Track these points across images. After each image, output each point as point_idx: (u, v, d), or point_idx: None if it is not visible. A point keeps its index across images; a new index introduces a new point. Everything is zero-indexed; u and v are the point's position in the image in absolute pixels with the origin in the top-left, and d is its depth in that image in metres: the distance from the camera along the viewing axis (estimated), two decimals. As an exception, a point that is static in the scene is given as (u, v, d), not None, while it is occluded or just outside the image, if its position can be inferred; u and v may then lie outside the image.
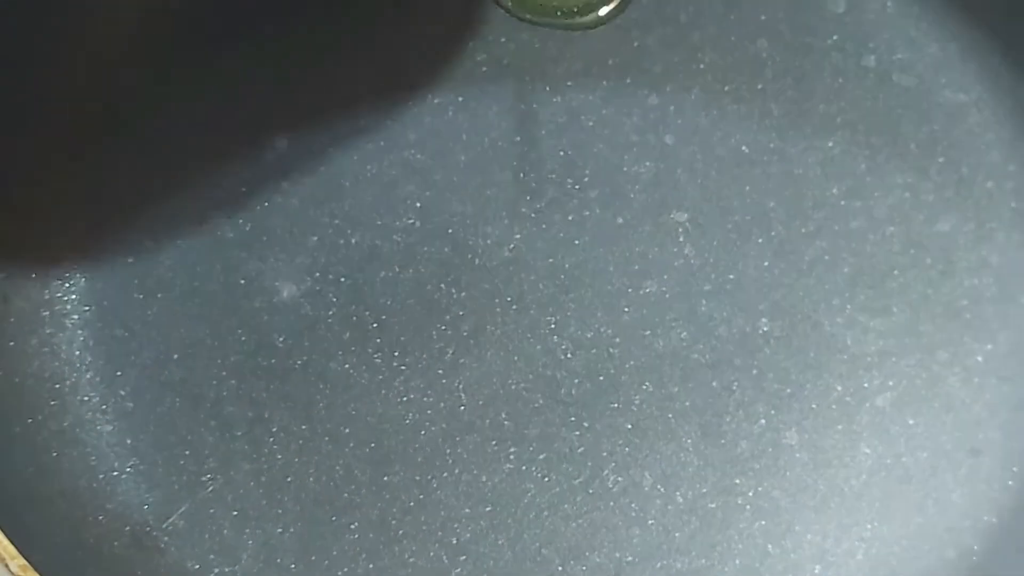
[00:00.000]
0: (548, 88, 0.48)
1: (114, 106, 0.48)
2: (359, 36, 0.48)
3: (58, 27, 0.46)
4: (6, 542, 0.37)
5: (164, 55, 0.48)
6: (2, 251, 0.45)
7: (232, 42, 0.49)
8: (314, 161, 0.47)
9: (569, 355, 0.45)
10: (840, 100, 0.47)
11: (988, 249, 0.46)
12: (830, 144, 0.47)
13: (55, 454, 0.44)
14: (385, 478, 0.44)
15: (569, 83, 0.48)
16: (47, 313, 0.45)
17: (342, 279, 0.46)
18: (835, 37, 0.48)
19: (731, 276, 0.46)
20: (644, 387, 0.45)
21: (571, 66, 0.48)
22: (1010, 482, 0.44)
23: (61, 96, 0.47)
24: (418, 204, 0.47)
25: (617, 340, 0.45)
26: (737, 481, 0.44)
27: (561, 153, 0.47)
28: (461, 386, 0.45)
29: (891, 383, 0.44)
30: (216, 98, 0.48)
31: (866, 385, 0.44)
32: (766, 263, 0.46)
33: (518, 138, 0.47)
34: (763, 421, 0.44)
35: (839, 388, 0.44)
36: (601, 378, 0.45)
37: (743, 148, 0.47)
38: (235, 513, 0.44)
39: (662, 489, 0.44)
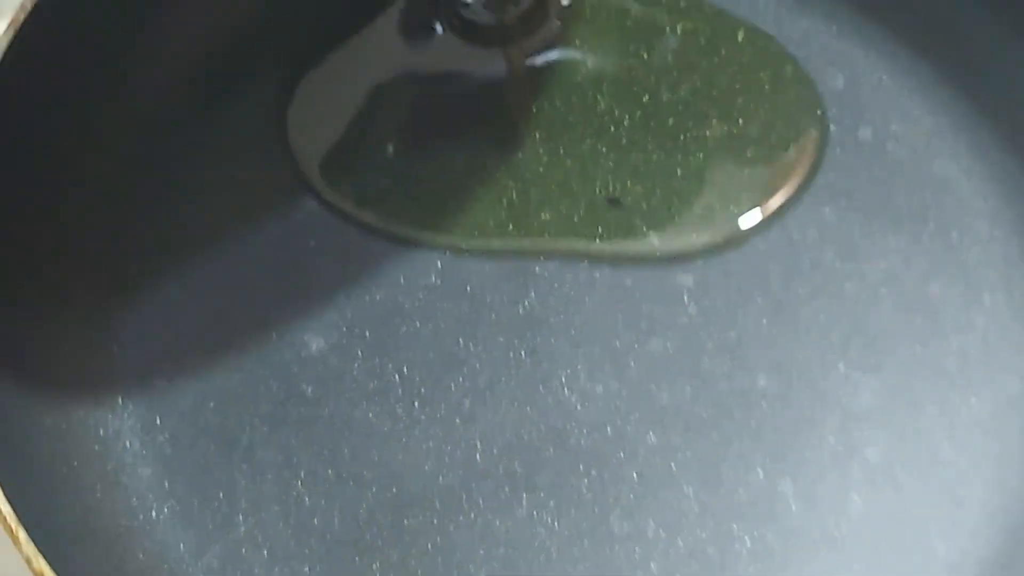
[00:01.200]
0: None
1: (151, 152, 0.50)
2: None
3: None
4: (53, 576, 0.39)
5: (197, 119, 0.51)
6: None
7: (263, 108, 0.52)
8: (342, 221, 0.50)
9: (579, 407, 0.47)
10: (837, 169, 0.50)
11: (975, 311, 0.48)
12: (827, 210, 0.49)
13: (99, 495, 0.45)
14: (405, 521, 0.45)
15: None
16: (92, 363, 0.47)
17: (367, 333, 0.48)
18: (833, 110, 0.51)
19: (732, 334, 0.48)
20: (649, 438, 0.46)
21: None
22: (992, 533, 0.45)
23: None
24: (438, 263, 0.49)
25: (624, 393, 0.47)
26: (735, 527, 0.45)
27: (573, 216, 0.50)
28: (477, 435, 0.46)
29: (881, 437, 0.46)
30: (247, 160, 0.51)
31: (857, 438, 0.46)
32: (765, 322, 0.48)
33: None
34: (760, 471, 0.46)
35: (832, 440, 0.46)
36: (608, 429, 0.46)
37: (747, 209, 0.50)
38: (265, 552, 0.45)
39: (664, 534, 0.45)
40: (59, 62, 0.46)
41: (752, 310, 0.48)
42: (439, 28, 0.53)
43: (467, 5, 0.52)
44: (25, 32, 0.44)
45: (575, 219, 0.49)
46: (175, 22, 0.51)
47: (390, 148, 0.51)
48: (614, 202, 0.49)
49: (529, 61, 0.53)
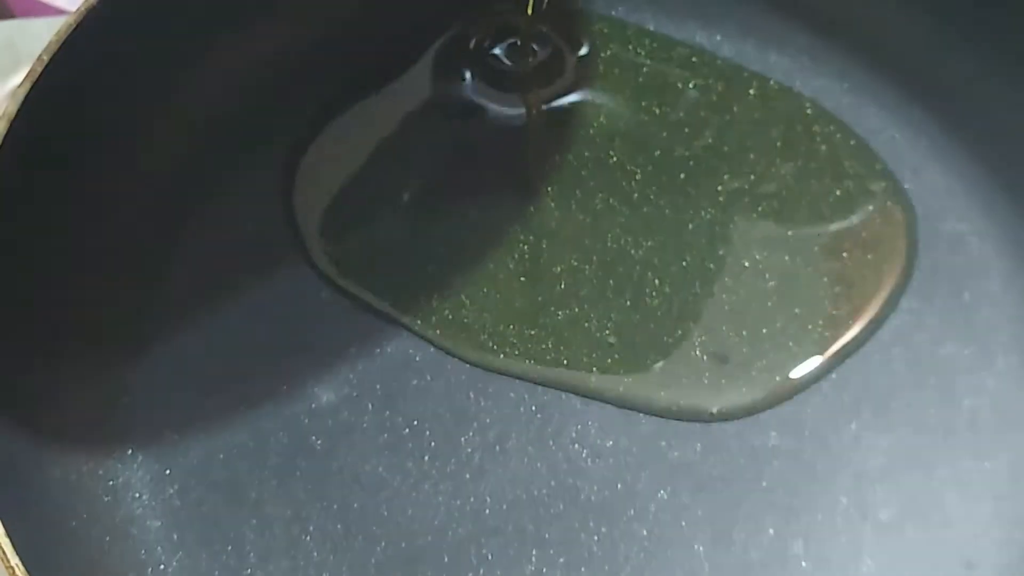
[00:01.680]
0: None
1: (163, 208, 0.51)
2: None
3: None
4: (60, 631, 0.39)
5: (208, 176, 0.52)
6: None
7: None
8: (353, 274, 0.50)
9: (589, 463, 0.47)
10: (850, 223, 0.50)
11: (987, 373, 0.48)
12: (838, 265, 0.50)
13: (107, 547, 0.45)
14: None
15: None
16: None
17: (377, 387, 0.48)
18: (847, 163, 0.51)
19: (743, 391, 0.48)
20: (659, 495, 0.46)
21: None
22: (1003, 594, 0.45)
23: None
24: (449, 316, 0.49)
25: (635, 450, 0.47)
26: None
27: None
28: (487, 490, 0.46)
29: (893, 498, 0.46)
30: (259, 214, 0.51)
31: (869, 499, 0.46)
32: (777, 379, 0.48)
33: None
34: (771, 531, 0.46)
35: (844, 501, 0.46)
36: (619, 486, 0.46)
37: (757, 262, 0.50)
38: None
39: None
40: (71, 123, 0.47)
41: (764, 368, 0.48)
42: (468, 75, 0.54)
43: (495, 55, 0.53)
44: (41, 89, 0.44)
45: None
46: (191, 80, 0.51)
47: (405, 197, 0.51)
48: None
49: (546, 107, 0.53)
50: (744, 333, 0.48)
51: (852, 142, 0.52)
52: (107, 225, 0.49)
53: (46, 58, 0.44)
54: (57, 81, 0.44)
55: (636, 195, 0.51)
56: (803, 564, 0.45)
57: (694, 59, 0.54)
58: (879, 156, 0.52)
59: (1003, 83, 0.51)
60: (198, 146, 0.52)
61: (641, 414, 0.48)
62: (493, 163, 0.52)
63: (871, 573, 0.45)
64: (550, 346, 0.49)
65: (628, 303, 0.49)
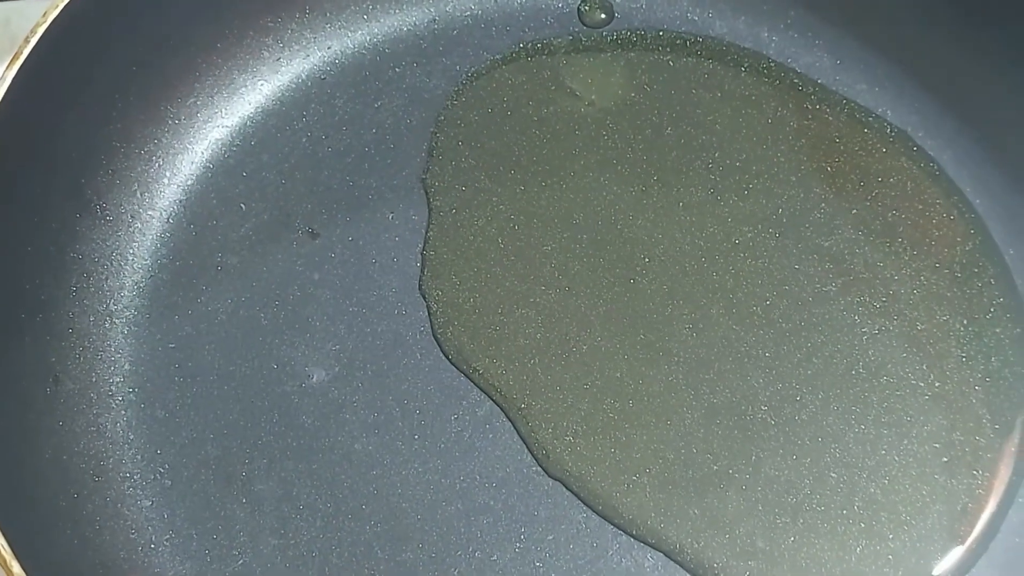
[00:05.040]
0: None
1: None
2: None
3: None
4: (51, 609, 0.39)
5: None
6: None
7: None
8: (344, 254, 0.50)
9: (579, 440, 0.47)
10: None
11: (977, 347, 0.48)
12: (827, 244, 0.50)
13: (98, 527, 0.45)
14: (402, 555, 0.45)
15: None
16: (94, 395, 0.47)
17: (367, 365, 0.48)
18: (838, 139, 0.51)
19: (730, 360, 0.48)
20: (648, 471, 0.46)
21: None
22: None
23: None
24: (439, 293, 0.49)
25: (625, 426, 0.47)
26: (734, 562, 0.45)
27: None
28: (476, 468, 0.46)
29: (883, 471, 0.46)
30: (258, 202, 0.51)
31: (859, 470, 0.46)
32: (768, 353, 0.48)
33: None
34: (760, 507, 0.46)
35: (833, 475, 0.46)
36: (608, 463, 0.46)
37: (748, 240, 0.50)
38: None
39: (663, 571, 0.45)
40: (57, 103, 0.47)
41: (754, 340, 0.49)
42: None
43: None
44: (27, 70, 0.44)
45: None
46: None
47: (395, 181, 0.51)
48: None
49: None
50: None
51: (844, 119, 0.52)
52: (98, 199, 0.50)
53: (33, 40, 0.45)
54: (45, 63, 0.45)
55: (627, 173, 0.51)
56: (791, 537, 0.45)
57: (685, 36, 0.54)
58: (871, 132, 0.51)
59: (996, 58, 0.50)
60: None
61: (631, 393, 0.48)
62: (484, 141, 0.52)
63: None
64: (540, 324, 0.49)
65: (618, 281, 0.49)
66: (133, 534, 0.46)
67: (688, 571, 0.45)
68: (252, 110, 0.52)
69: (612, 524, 0.46)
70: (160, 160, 0.51)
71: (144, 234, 0.50)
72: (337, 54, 0.53)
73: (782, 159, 0.51)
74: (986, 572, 0.46)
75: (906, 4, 0.52)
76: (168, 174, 0.51)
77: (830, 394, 0.47)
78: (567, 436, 0.47)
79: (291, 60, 0.53)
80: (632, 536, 0.46)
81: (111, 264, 0.49)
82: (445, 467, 0.47)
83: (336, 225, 0.50)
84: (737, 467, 0.46)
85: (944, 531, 0.46)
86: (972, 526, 0.46)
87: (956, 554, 0.46)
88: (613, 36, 0.54)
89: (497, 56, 0.53)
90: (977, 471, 0.47)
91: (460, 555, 0.45)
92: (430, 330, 0.49)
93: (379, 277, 0.49)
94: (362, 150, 0.52)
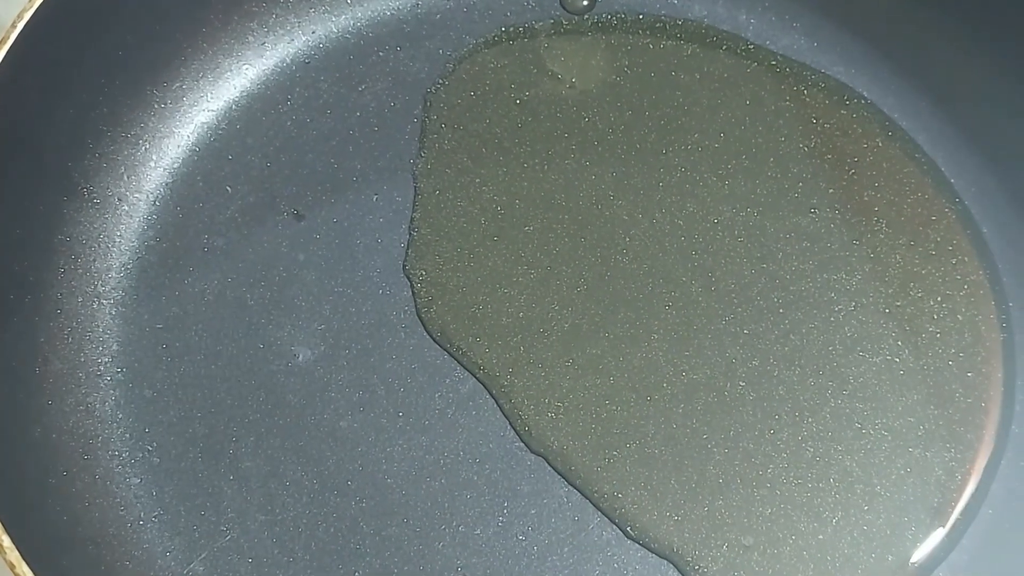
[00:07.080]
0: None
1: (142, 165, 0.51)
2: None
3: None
4: (41, 585, 0.40)
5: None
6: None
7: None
8: (329, 235, 0.50)
9: (560, 416, 0.48)
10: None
11: (951, 323, 0.49)
12: (804, 222, 0.50)
13: (87, 504, 0.46)
14: (387, 530, 0.46)
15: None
16: (82, 375, 0.48)
17: (352, 344, 0.49)
18: (816, 120, 0.52)
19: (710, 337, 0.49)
20: (628, 446, 0.47)
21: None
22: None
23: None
24: (423, 273, 0.50)
25: (606, 402, 0.48)
26: (712, 535, 0.46)
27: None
28: (460, 444, 0.47)
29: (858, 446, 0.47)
30: (243, 185, 0.51)
31: (835, 444, 0.47)
32: (746, 330, 0.49)
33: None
34: (738, 480, 0.47)
35: (809, 449, 0.47)
36: (589, 438, 0.47)
37: (727, 220, 0.51)
38: (250, 560, 0.46)
39: (643, 543, 0.46)
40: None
41: (731, 317, 0.49)
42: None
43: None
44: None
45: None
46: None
47: (381, 165, 0.52)
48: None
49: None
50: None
51: (821, 100, 0.52)
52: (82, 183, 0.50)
53: (20, 24, 0.45)
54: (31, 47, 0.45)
55: (608, 155, 0.52)
56: (771, 508, 0.46)
57: (665, 19, 0.54)
58: (847, 112, 0.52)
59: (974, 42, 0.51)
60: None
61: (613, 366, 0.48)
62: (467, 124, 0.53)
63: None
64: (522, 303, 0.49)
65: (599, 261, 0.50)
66: (122, 511, 0.46)
67: (667, 543, 0.46)
68: (237, 94, 0.53)
69: (592, 499, 0.46)
70: (147, 143, 0.51)
71: (131, 216, 0.50)
72: (321, 38, 0.54)
73: (760, 140, 0.52)
74: (969, 545, 0.46)
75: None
76: (155, 157, 0.51)
77: (807, 370, 0.48)
78: (549, 412, 0.48)
79: (276, 44, 0.53)
80: (612, 510, 0.46)
81: (99, 246, 0.50)
82: (429, 443, 0.47)
83: (321, 207, 0.51)
84: (715, 441, 0.47)
85: (920, 504, 0.47)
86: (951, 500, 0.47)
87: (935, 530, 0.47)
88: (594, 19, 0.54)
89: (480, 40, 0.54)
90: (951, 445, 0.47)
91: (444, 529, 0.46)
92: (414, 310, 0.49)
93: (364, 258, 0.50)
94: (346, 133, 0.52)
